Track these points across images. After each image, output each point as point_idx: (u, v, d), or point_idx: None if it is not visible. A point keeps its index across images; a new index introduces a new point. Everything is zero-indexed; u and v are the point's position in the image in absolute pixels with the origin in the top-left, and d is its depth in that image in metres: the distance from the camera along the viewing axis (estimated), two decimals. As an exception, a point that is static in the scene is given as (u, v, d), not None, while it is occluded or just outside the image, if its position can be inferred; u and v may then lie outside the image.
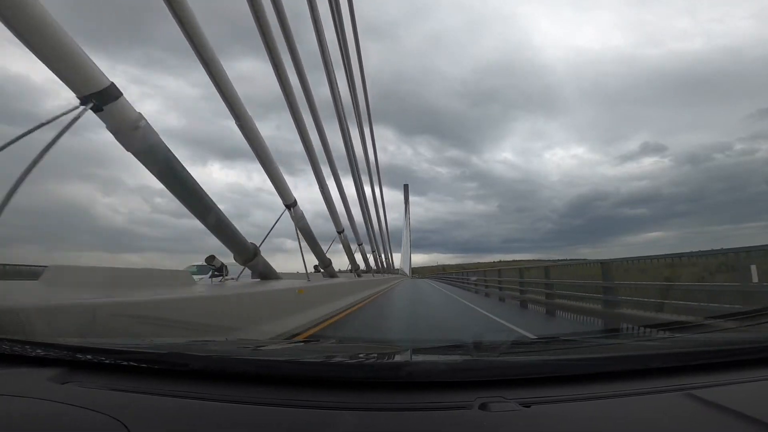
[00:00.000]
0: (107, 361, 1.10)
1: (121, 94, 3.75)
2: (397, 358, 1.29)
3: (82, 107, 3.50)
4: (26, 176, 3.19)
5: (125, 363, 1.09)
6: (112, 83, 3.67)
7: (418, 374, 1.00)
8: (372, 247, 23.55)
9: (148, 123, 4.05)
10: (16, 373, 1.08)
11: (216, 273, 7.12)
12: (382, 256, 27.64)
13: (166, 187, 4.70)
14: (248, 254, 6.87)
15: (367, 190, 20.87)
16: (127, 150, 4.03)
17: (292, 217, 8.37)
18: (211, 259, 6.89)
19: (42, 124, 3.35)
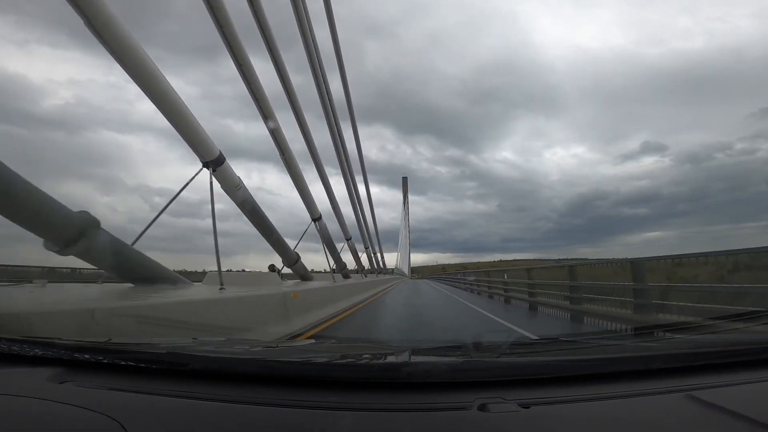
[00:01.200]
0: (105, 361, 1.10)
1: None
2: (397, 358, 1.28)
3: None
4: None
5: (123, 363, 1.09)
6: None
7: (417, 375, 1.00)
8: (365, 244, 23.63)
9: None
10: (14, 372, 1.08)
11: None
12: (373, 256, 27.81)
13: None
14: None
15: (360, 189, 21.41)
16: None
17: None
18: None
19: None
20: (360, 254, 21.25)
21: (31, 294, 3.62)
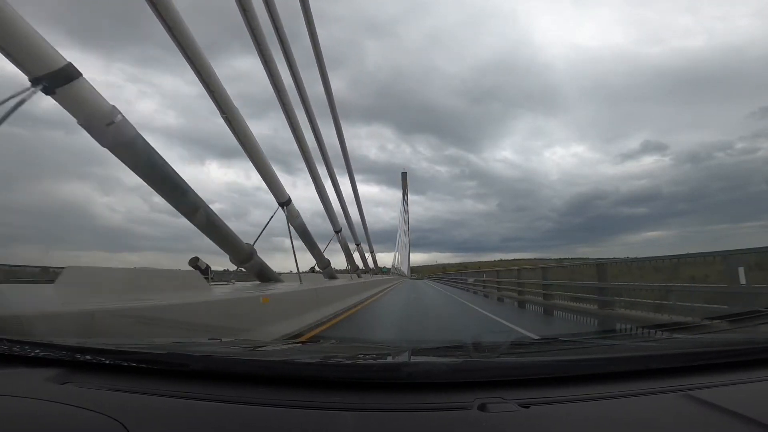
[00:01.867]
0: (106, 362, 1.10)
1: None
2: (397, 358, 1.29)
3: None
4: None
5: (124, 363, 1.09)
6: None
7: (417, 375, 1.00)
8: (356, 241, 21.36)
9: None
10: (15, 373, 1.08)
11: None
12: (363, 254, 24.98)
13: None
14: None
15: (348, 184, 18.92)
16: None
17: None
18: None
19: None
20: (356, 252, 20.09)
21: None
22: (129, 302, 2.96)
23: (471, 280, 19.97)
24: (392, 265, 53.53)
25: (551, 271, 9.17)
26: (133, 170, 4.37)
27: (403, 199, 66.35)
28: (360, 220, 21.56)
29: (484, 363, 1.09)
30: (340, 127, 14.83)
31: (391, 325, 6.97)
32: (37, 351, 1.16)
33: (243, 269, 7.31)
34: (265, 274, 7.78)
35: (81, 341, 1.31)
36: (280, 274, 8.79)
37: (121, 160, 4.23)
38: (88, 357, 1.12)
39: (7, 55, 3.24)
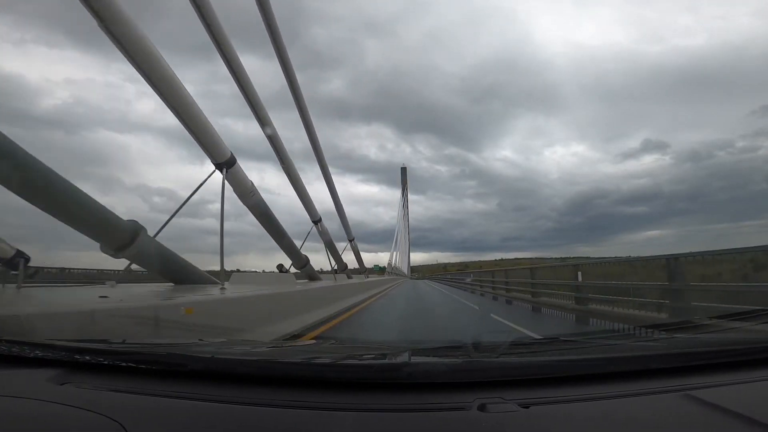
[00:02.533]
0: (105, 362, 1.10)
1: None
2: (397, 358, 1.28)
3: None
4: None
5: (123, 364, 1.09)
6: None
7: (417, 375, 1.00)
8: (349, 237, 18.66)
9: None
10: (14, 374, 1.08)
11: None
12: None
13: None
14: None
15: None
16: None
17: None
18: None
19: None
20: (348, 250, 18.27)
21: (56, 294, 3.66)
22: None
23: (468, 279, 19.70)
24: (389, 263, 49.53)
25: (586, 269, 7.86)
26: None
27: (403, 195, 63.50)
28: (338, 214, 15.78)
29: (483, 363, 1.09)
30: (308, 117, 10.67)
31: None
32: (37, 351, 1.16)
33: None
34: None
35: (80, 342, 1.31)
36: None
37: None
38: (87, 357, 1.12)
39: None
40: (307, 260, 10.52)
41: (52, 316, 2.10)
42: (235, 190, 6.03)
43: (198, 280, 5.81)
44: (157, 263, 5.16)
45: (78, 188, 3.88)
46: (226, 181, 5.52)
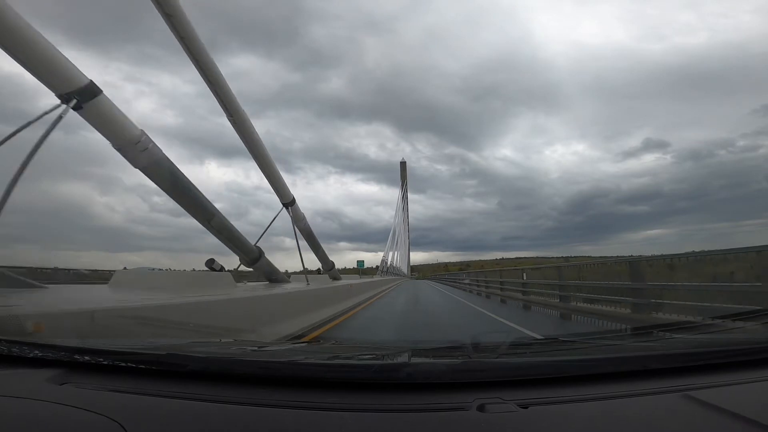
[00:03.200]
0: (105, 362, 1.10)
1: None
2: (396, 359, 1.29)
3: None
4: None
5: (123, 364, 1.09)
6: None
7: (416, 375, 1.00)
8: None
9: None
10: (14, 374, 1.08)
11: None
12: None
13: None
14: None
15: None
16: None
17: (291, 217, 8.23)
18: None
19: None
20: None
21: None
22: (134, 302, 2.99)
23: (467, 280, 19.48)
24: (383, 261, 40.74)
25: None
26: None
27: (402, 189, 59.78)
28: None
29: (483, 363, 1.09)
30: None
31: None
32: (36, 352, 1.16)
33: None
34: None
35: (80, 342, 1.31)
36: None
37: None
38: (87, 358, 1.12)
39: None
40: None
41: (52, 316, 2.10)
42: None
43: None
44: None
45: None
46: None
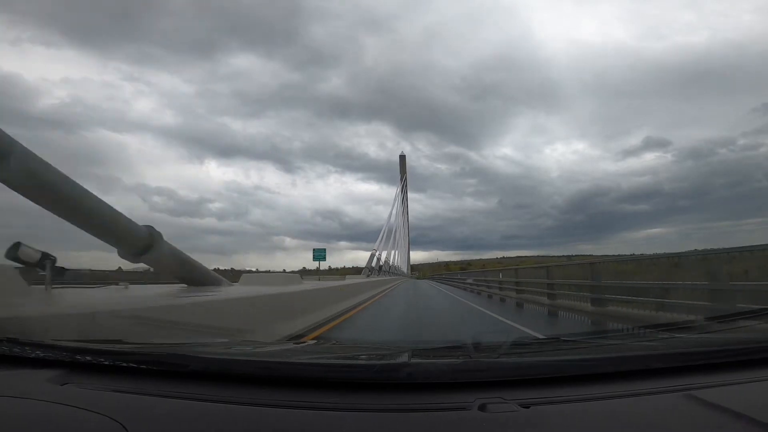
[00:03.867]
0: (106, 362, 1.10)
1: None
2: (397, 359, 1.28)
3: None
4: None
5: (124, 364, 1.09)
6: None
7: (417, 375, 1.00)
8: None
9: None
10: (15, 374, 1.08)
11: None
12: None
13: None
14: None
15: None
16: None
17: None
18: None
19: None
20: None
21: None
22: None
23: (470, 280, 19.50)
24: (372, 256, 32.19)
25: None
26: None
27: (401, 182, 57.17)
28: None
29: (484, 363, 1.09)
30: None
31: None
32: (38, 352, 1.16)
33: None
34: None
35: (81, 342, 1.31)
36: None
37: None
38: (88, 358, 1.12)
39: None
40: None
41: (53, 317, 2.10)
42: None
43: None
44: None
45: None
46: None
